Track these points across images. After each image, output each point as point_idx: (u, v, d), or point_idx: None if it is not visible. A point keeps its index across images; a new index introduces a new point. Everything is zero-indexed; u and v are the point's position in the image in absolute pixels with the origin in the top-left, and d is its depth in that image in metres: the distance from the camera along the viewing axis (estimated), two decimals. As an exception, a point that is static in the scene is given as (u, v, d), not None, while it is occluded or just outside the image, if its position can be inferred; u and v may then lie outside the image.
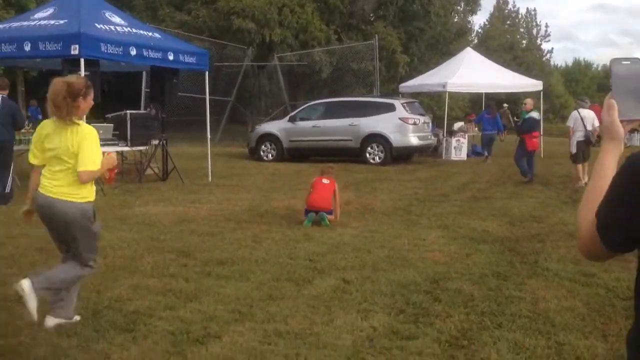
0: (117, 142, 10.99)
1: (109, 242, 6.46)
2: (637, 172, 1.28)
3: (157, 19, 23.25)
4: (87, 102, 3.90)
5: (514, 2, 59.88)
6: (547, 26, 67.20)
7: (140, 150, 11.67)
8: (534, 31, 49.65)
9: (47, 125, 3.97)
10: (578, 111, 12.05)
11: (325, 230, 7.38)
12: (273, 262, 5.84)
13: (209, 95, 12.46)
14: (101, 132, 10.99)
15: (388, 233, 7.39)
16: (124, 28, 10.60)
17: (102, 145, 10.98)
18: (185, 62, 11.38)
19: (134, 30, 10.76)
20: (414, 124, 15.61)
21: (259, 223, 7.81)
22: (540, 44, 49.65)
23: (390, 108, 15.73)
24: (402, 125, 15.45)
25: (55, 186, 3.87)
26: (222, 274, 5.40)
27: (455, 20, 33.96)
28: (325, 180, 7.93)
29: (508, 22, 48.04)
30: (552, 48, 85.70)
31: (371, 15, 26.00)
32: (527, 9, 56.06)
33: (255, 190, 10.76)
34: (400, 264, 5.89)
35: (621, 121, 1.43)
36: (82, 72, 9.19)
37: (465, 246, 6.69)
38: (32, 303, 3.82)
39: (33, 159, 3.99)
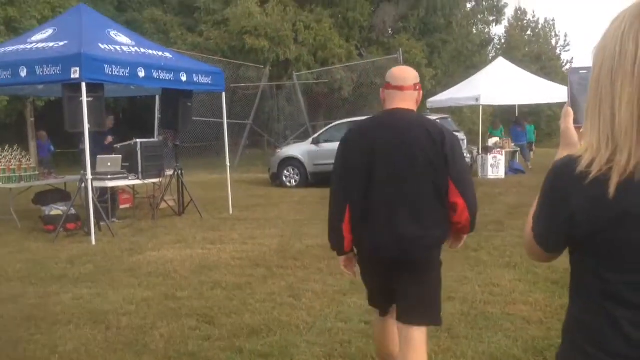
0: (126, 175, 9.86)
1: (113, 304, 5.26)
2: (557, 178, 1.31)
3: (169, 42, 22.38)
4: None
5: (533, 12, 58.58)
6: (566, 36, 66.02)
7: (154, 183, 10.48)
8: (553, 41, 48.36)
9: None
10: None
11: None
12: (320, 328, 4.58)
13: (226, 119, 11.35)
14: (109, 164, 9.95)
15: (450, 276, 6.07)
16: (131, 48, 9.49)
17: (110, 179, 9.78)
18: (200, 82, 10.24)
19: (142, 50, 9.65)
20: (449, 141, 14.33)
21: (294, 268, 6.55)
22: (560, 54, 48.30)
23: (422, 125, 14.50)
24: (437, 144, 14.21)
25: None
26: (256, 350, 4.14)
27: (474, 32, 32.83)
28: None
29: (529, 32, 46.84)
30: (572, 58, 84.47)
31: (390, 28, 24.88)
32: (546, 19, 54.59)
33: (282, 224, 9.50)
34: (483, 325, 4.59)
35: (576, 128, 1.42)
36: (84, 98, 8.11)
37: (554, 294, 5.37)
38: None
39: None
